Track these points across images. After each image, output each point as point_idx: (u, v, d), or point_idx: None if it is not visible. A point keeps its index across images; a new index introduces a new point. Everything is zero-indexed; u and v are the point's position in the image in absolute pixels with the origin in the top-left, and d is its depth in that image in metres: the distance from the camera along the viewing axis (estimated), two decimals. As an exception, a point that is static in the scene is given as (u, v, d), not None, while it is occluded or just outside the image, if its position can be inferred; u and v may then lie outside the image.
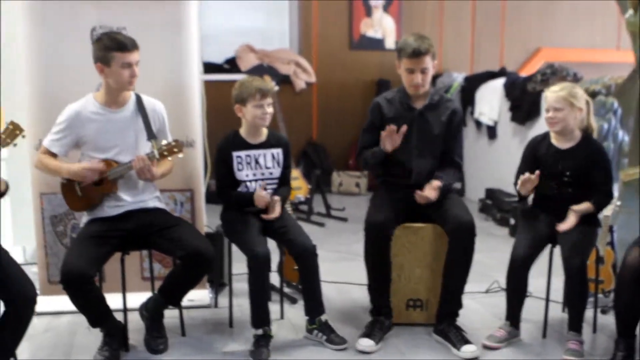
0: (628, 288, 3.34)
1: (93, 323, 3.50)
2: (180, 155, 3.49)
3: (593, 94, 5.38)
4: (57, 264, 3.41)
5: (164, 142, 3.47)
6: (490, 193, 6.77)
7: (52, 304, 4.00)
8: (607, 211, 3.81)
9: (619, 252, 4.15)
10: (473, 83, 7.49)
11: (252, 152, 3.80)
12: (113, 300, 3.53)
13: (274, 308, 3.71)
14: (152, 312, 3.66)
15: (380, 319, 3.79)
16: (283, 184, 3.90)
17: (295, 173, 6.49)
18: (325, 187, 7.29)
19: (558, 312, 4.06)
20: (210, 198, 4.76)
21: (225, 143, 3.82)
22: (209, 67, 7.18)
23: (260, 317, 3.62)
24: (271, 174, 3.83)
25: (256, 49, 8.08)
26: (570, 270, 3.51)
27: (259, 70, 7.52)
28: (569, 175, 3.70)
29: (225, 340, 3.79)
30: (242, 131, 3.83)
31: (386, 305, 3.83)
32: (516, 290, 3.72)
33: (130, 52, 3.43)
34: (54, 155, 3.55)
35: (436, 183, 3.76)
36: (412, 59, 3.71)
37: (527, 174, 3.62)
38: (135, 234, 3.57)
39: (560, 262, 3.56)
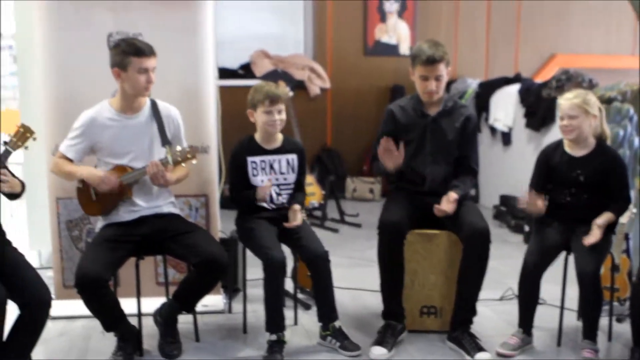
0: (644, 296, 3.32)
1: (107, 327, 3.52)
2: (194, 161, 3.51)
3: (609, 101, 5.35)
4: (73, 269, 3.43)
5: (178, 148, 3.48)
6: (505, 200, 6.74)
7: (67, 309, 4.02)
8: (623, 218, 3.78)
9: (635, 260, 4.13)
10: (488, 89, 7.47)
11: (267, 158, 3.81)
12: (127, 305, 3.55)
13: (287, 314, 3.71)
14: (166, 318, 3.67)
15: (392, 323, 3.79)
16: (298, 189, 3.91)
17: (309, 179, 6.48)
18: (339, 193, 7.29)
19: (573, 320, 4.04)
20: (225, 203, 4.76)
21: (240, 148, 3.82)
22: (224, 73, 7.18)
23: (275, 322, 3.62)
24: (285, 179, 3.84)
25: (271, 54, 8.09)
26: (584, 278, 3.50)
27: (273, 76, 7.52)
28: (583, 182, 3.68)
29: (239, 346, 3.80)
30: (257, 136, 3.84)
31: (398, 308, 3.82)
32: (528, 297, 3.71)
33: (147, 58, 3.45)
34: (69, 160, 3.58)
35: (453, 196, 3.74)
36: (427, 66, 3.71)
37: (530, 194, 3.65)
38: (150, 239, 3.58)
39: (575, 270, 3.55)
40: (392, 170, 3.73)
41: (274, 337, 3.61)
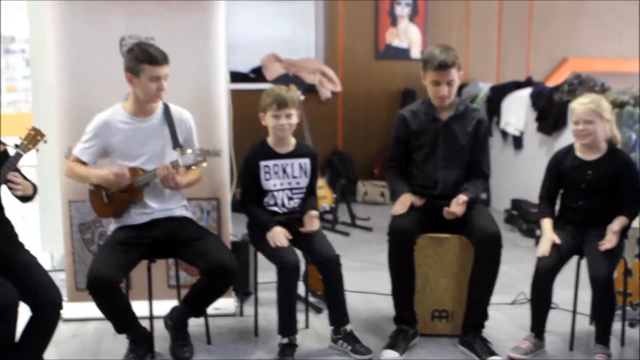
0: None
1: (119, 329, 3.53)
2: (204, 164, 3.52)
3: (621, 105, 5.34)
4: (85, 271, 3.45)
5: (189, 150, 3.49)
6: (516, 204, 6.73)
7: (80, 311, 4.04)
8: (635, 223, 3.77)
9: (647, 265, 4.11)
10: (499, 93, 7.46)
11: (280, 162, 3.81)
12: (139, 307, 3.56)
13: (299, 317, 3.71)
14: (176, 321, 3.68)
15: (404, 327, 3.79)
16: (310, 194, 3.91)
17: (320, 182, 6.50)
18: (350, 197, 7.29)
19: (585, 325, 4.03)
20: (236, 207, 4.78)
21: (253, 152, 3.82)
22: (235, 76, 7.22)
23: (287, 325, 3.63)
24: (298, 183, 3.84)
25: (282, 58, 8.11)
26: (597, 283, 3.49)
27: (284, 80, 7.54)
28: (595, 187, 3.67)
29: (251, 349, 3.80)
30: (270, 140, 3.85)
31: (410, 313, 3.82)
32: (541, 301, 3.69)
33: (159, 66, 3.46)
34: (83, 163, 3.60)
35: (462, 198, 3.74)
36: (438, 72, 3.71)
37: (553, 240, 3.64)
38: (161, 242, 3.59)
39: (587, 274, 3.54)
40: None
41: (285, 340, 3.62)
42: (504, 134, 7.28)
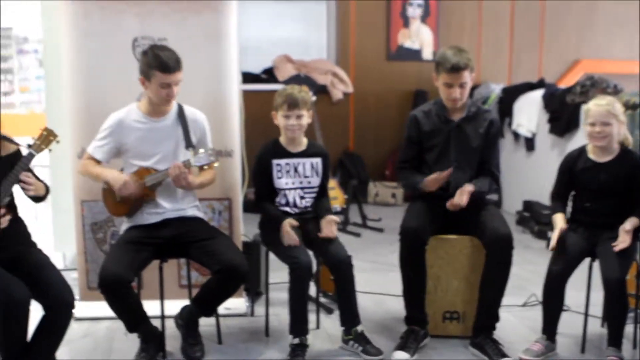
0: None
1: (130, 328, 3.55)
2: (216, 164, 3.54)
3: (634, 106, 5.32)
4: (97, 271, 3.46)
5: (201, 151, 3.50)
6: (528, 205, 6.71)
7: (92, 310, 4.06)
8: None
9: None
10: (511, 94, 7.44)
11: (292, 161, 3.82)
12: (151, 307, 3.58)
13: (310, 318, 3.72)
14: (186, 320, 3.68)
15: (415, 328, 3.78)
16: (321, 194, 3.91)
17: (332, 183, 6.51)
18: (362, 198, 7.29)
19: (597, 327, 4.01)
20: (248, 207, 4.79)
21: (265, 151, 3.83)
22: (247, 77, 7.23)
23: (299, 325, 3.63)
24: (309, 182, 3.84)
25: (294, 59, 8.12)
26: (609, 285, 3.47)
27: (296, 81, 7.54)
28: (607, 188, 3.66)
29: (262, 349, 3.81)
30: (282, 139, 3.85)
31: (421, 314, 3.82)
32: (553, 303, 3.68)
33: (170, 74, 3.47)
34: (97, 161, 3.62)
35: (468, 187, 3.71)
36: (451, 74, 3.69)
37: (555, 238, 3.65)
38: (173, 242, 3.61)
39: (600, 276, 3.53)
40: (432, 190, 3.75)
41: (296, 340, 3.62)
42: (516, 135, 7.27)
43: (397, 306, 4.18)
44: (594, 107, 3.63)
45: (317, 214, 3.86)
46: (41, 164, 3.45)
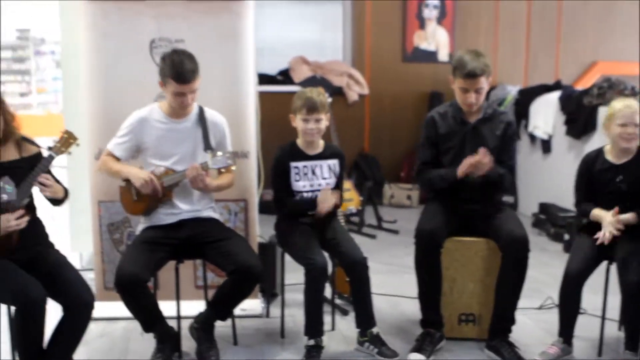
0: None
1: (146, 327, 3.56)
2: (233, 167, 3.55)
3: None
4: (113, 271, 3.48)
5: (219, 153, 3.51)
6: (544, 208, 6.68)
7: (108, 310, 4.07)
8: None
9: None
10: (527, 96, 7.41)
11: (309, 163, 3.82)
12: (167, 307, 3.59)
13: (325, 319, 3.72)
14: (202, 324, 3.69)
15: (431, 331, 3.78)
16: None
17: (347, 185, 6.50)
18: (377, 199, 7.29)
19: (614, 331, 3.99)
20: (263, 208, 4.80)
21: (282, 153, 3.83)
22: (263, 79, 7.24)
23: (314, 327, 3.64)
24: (328, 184, 3.83)
25: (309, 60, 8.13)
26: (627, 288, 3.45)
27: (312, 82, 7.54)
28: (625, 190, 3.64)
29: (277, 350, 3.81)
30: (299, 142, 3.86)
31: (436, 316, 3.81)
32: (570, 306, 3.66)
33: (184, 85, 3.47)
34: (117, 159, 3.64)
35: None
36: (467, 80, 3.68)
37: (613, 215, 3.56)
38: (188, 243, 3.62)
39: (617, 279, 3.51)
40: (475, 175, 3.67)
41: (312, 341, 3.63)
42: (532, 137, 7.24)
43: (412, 308, 4.18)
44: (625, 108, 3.59)
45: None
46: (59, 165, 3.46)
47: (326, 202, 3.71)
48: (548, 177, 6.91)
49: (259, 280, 3.60)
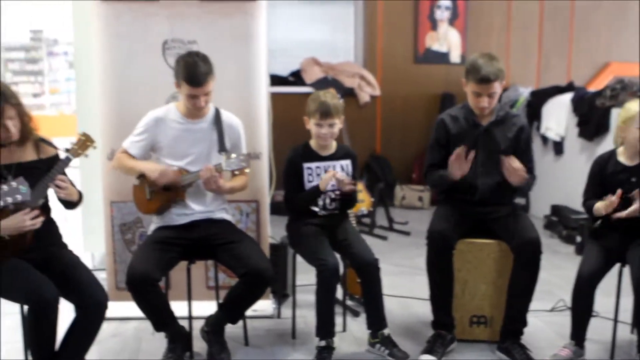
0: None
1: (157, 327, 3.57)
2: (247, 170, 3.56)
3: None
4: (125, 271, 3.49)
5: (234, 155, 3.51)
6: (556, 210, 6.66)
7: (120, 310, 4.08)
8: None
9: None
10: (540, 98, 7.39)
11: (323, 164, 3.82)
12: (179, 308, 3.60)
13: (336, 320, 3.72)
14: (213, 326, 3.69)
15: (442, 332, 3.78)
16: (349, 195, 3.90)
17: (359, 186, 6.51)
18: (388, 201, 7.29)
19: (627, 334, 3.97)
20: (275, 209, 4.80)
21: (295, 154, 3.83)
22: (274, 80, 7.25)
23: (325, 328, 3.64)
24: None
25: (321, 61, 8.12)
26: (640, 290, 3.44)
27: (323, 84, 7.55)
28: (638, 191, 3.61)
29: (288, 351, 3.82)
30: (312, 143, 3.86)
31: (448, 318, 3.81)
32: (582, 309, 3.65)
33: (197, 87, 3.49)
34: (132, 157, 3.66)
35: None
36: (480, 85, 3.66)
37: (611, 197, 3.52)
38: (200, 244, 3.63)
39: (630, 281, 3.49)
40: (458, 179, 3.67)
41: (323, 343, 3.63)
42: (544, 139, 7.21)
43: (423, 310, 4.17)
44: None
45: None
46: (72, 165, 3.47)
47: (329, 180, 3.67)
48: (560, 179, 6.89)
49: (269, 284, 3.61)
